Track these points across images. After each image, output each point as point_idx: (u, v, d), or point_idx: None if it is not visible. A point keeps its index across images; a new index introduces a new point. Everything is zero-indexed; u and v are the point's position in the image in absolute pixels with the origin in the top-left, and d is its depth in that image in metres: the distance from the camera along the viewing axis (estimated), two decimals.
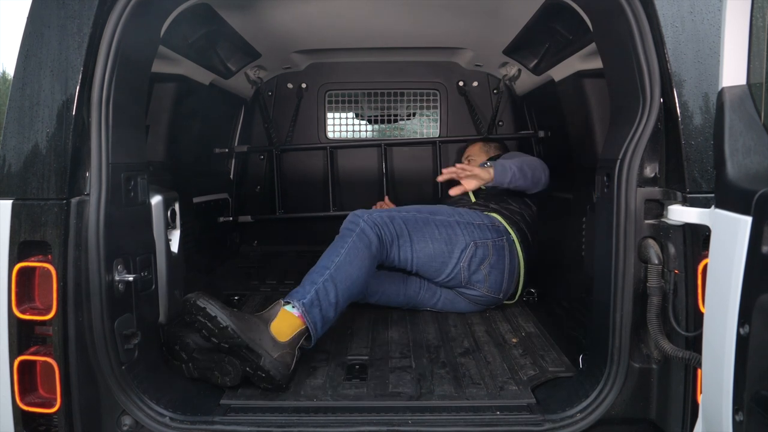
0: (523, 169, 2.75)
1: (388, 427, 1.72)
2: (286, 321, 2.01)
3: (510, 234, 2.77)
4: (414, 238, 2.54)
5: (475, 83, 3.92)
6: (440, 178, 2.70)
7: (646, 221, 1.64)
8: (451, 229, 2.63)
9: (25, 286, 1.64)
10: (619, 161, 1.68)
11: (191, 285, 2.37)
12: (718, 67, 1.36)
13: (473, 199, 2.98)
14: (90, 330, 1.66)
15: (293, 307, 2.05)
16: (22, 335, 1.64)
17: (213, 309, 1.90)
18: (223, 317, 1.89)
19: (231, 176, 3.78)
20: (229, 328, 1.87)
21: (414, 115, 4.05)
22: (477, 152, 3.44)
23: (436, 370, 2.09)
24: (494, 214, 2.83)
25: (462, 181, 2.67)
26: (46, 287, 1.63)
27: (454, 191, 2.64)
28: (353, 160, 4.01)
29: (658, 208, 1.65)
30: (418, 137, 4.04)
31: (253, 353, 1.87)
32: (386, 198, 3.58)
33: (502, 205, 2.93)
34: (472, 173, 2.65)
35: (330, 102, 3.99)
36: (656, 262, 1.61)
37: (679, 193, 1.59)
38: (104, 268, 1.66)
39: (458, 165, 2.67)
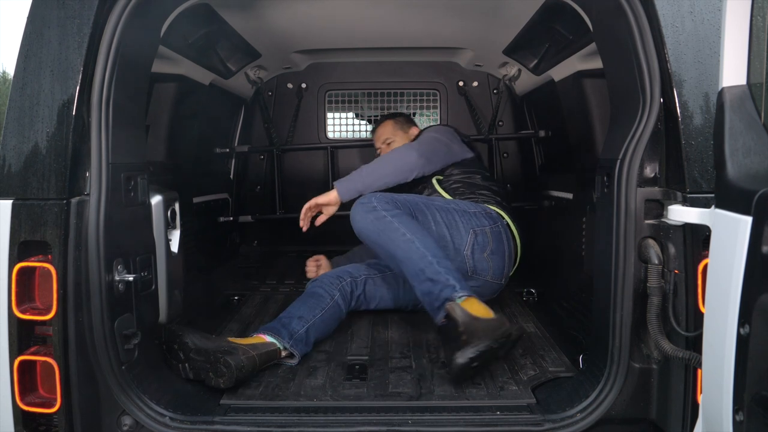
0: (376, 169, 2.66)
1: (388, 427, 1.72)
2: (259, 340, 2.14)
3: (503, 218, 2.77)
4: (419, 218, 2.50)
5: (475, 83, 3.92)
6: (304, 228, 2.69)
7: (646, 221, 1.64)
8: (451, 215, 2.62)
9: (25, 286, 1.64)
10: (619, 161, 1.68)
11: (191, 285, 2.37)
12: (718, 67, 1.36)
13: (446, 196, 2.86)
14: (90, 330, 1.66)
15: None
16: (22, 335, 1.64)
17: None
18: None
19: (231, 176, 3.78)
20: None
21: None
22: (391, 132, 3.25)
23: (436, 370, 2.09)
24: (484, 203, 2.83)
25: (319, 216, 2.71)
26: (46, 287, 1.63)
27: (319, 221, 2.70)
28: (353, 160, 4.01)
29: (658, 208, 1.65)
30: None
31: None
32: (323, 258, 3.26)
33: (483, 192, 2.91)
34: (315, 207, 2.66)
35: (330, 102, 3.99)
36: (656, 262, 1.61)
37: (679, 193, 1.59)
38: (104, 268, 1.66)
39: (305, 208, 2.67)
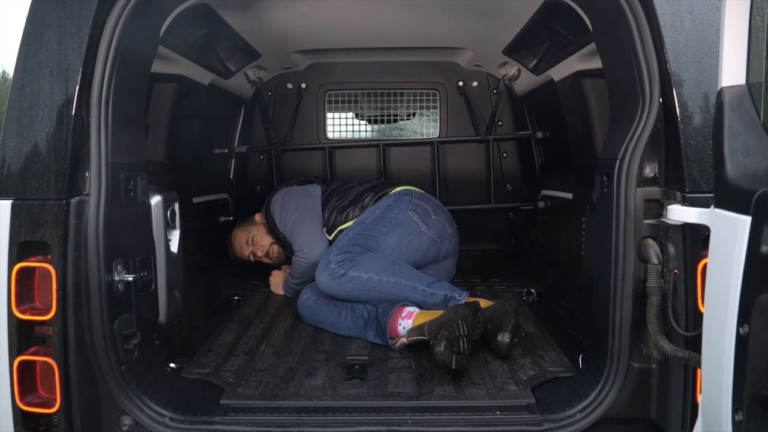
0: (300, 275, 2.96)
1: (388, 427, 1.72)
2: None
3: (408, 188, 2.99)
4: (372, 245, 2.62)
5: (475, 83, 3.91)
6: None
7: (646, 221, 1.64)
8: (384, 219, 2.76)
9: (24, 286, 1.64)
10: (618, 161, 1.68)
11: (191, 285, 2.37)
12: (717, 67, 1.36)
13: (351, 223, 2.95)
14: (90, 330, 1.66)
15: None
16: (22, 335, 1.65)
17: None
18: None
19: (231, 176, 3.78)
20: None
21: (414, 115, 4.05)
22: (245, 234, 3.32)
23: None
24: (383, 196, 2.96)
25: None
26: (46, 287, 1.63)
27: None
28: (352, 160, 4.00)
29: (657, 207, 1.65)
30: (418, 137, 4.04)
31: None
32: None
33: (368, 192, 3.02)
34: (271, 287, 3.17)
35: (330, 102, 3.99)
36: (656, 261, 1.61)
37: (678, 193, 1.59)
38: (104, 268, 1.66)
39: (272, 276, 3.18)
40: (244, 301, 3.00)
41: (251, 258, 3.29)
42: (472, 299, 2.36)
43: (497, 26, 2.83)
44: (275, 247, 3.22)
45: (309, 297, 2.63)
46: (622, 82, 1.76)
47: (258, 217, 3.29)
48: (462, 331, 1.98)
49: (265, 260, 3.28)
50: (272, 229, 3.14)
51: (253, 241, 3.24)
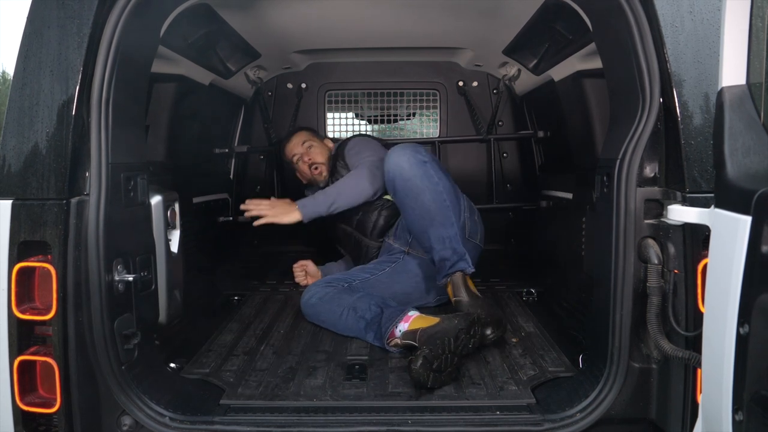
0: (335, 195, 2.80)
1: (388, 427, 1.72)
2: None
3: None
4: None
5: (475, 83, 3.91)
6: (246, 212, 2.81)
7: (646, 221, 1.64)
8: (451, 184, 2.73)
9: (24, 286, 1.64)
10: (618, 161, 1.68)
11: (191, 285, 2.37)
12: (717, 67, 1.36)
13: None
14: (90, 330, 1.66)
15: None
16: (22, 335, 1.64)
17: None
18: None
19: (231, 176, 3.78)
20: None
21: (414, 115, 4.05)
22: (307, 137, 3.29)
23: None
24: None
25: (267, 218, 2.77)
26: (46, 287, 1.63)
27: (259, 222, 2.78)
28: None
29: (657, 207, 1.65)
30: (418, 137, 4.04)
31: None
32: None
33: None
34: (273, 218, 2.75)
35: (330, 102, 3.99)
36: (656, 261, 1.61)
37: (678, 193, 1.59)
38: (104, 268, 1.66)
39: (264, 220, 2.77)
40: (244, 301, 2.99)
41: (293, 159, 3.24)
42: (474, 300, 2.39)
43: (497, 26, 2.84)
44: (324, 168, 3.15)
45: (312, 295, 2.62)
46: (622, 82, 1.76)
47: (328, 141, 3.34)
48: (449, 348, 1.95)
49: (304, 170, 3.20)
50: (334, 164, 3.07)
51: (311, 149, 3.20)
